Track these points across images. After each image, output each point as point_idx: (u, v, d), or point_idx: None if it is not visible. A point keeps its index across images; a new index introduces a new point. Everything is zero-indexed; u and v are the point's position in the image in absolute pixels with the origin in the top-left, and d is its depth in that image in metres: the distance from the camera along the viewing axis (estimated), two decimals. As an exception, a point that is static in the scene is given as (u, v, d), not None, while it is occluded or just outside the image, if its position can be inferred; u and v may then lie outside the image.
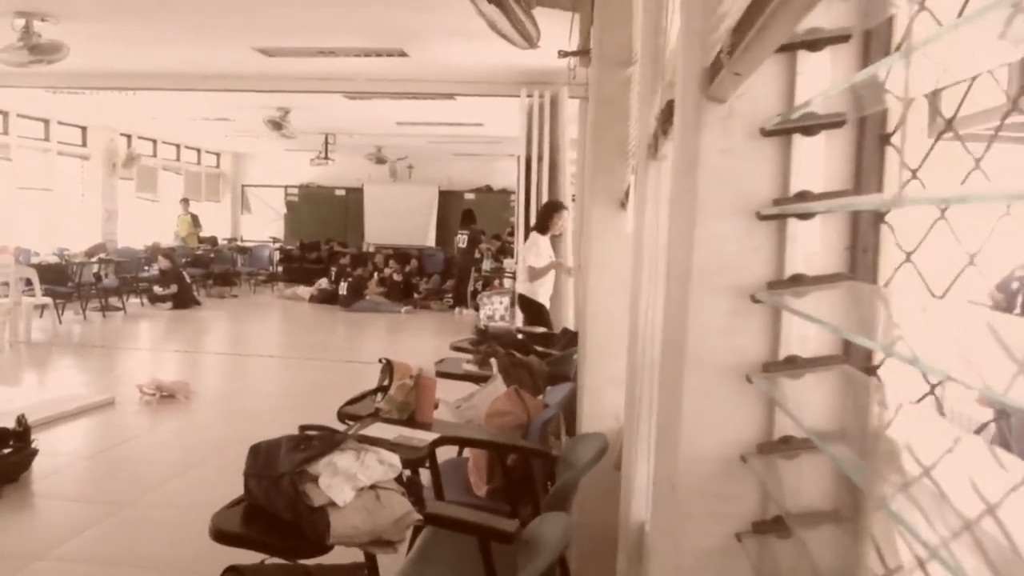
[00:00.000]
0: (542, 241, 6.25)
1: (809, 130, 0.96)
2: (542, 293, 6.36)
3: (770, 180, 0.99)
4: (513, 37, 2.92)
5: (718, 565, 1.02)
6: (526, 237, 7.40)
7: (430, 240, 16.68)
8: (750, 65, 0.81)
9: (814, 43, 0.93)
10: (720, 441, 1.02)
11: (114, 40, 6.72)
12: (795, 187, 0.99)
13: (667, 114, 1.32)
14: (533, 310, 6.36)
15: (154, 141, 15.02)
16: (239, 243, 16.96)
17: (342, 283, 13.21)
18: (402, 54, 6.83)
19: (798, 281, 0.99)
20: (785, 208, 0.96)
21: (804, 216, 0.98)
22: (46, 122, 12.17)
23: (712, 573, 1.01)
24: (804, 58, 0.97)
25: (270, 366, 8.54)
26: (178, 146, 15.95)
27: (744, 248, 1.00)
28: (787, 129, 0.97)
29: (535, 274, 6.25)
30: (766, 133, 0.98)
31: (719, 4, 0.97)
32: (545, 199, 7.19)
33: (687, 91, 1.03)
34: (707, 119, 0.98)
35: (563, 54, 4.05)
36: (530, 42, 3.04)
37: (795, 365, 1.00)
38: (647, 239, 1.71)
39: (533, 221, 7.29)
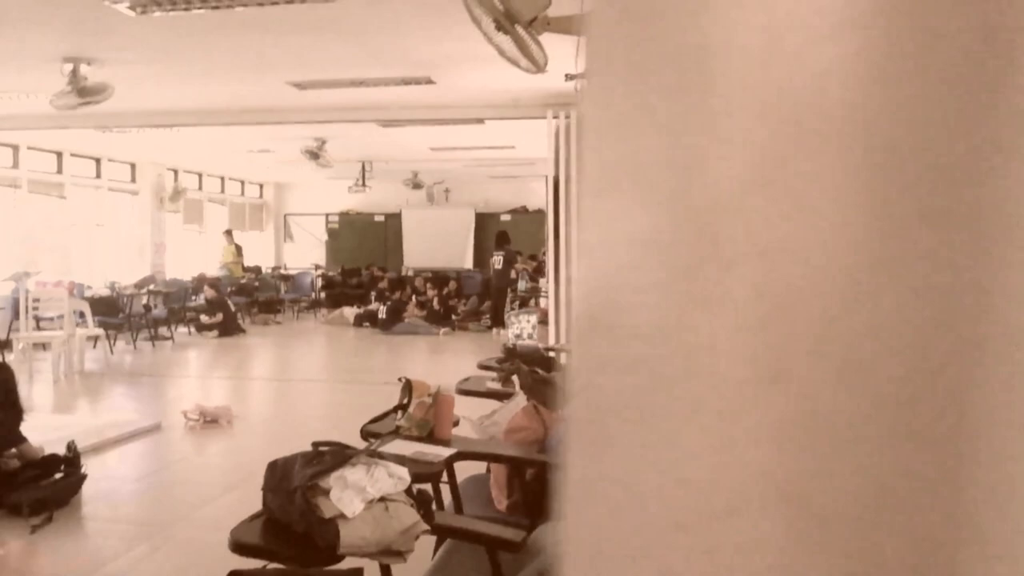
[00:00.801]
0: None
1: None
2: None
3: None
4: (520, 62, 3.03)
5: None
6: (555, 256, 7.48)
7: (468, 262, 16.86)
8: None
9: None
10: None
11: (156, 80, 7.04)
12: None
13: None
14: None
15: (199, 174, 15.54)
16: (282, 271, 17.38)
17: (381, 307, 13.46)
18: (429, 81, 7.01)
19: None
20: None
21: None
22: (97, 160, 12.71)
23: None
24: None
25: (310, 390, 8.74)
26: (222, 178, 16.46)
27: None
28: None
29: None
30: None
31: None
32: (574, 219, 7.24)
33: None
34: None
35: (570, 77, 4.16)
36: (538, 67, 3.15)
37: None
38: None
39: (562, 240, 7.36)
